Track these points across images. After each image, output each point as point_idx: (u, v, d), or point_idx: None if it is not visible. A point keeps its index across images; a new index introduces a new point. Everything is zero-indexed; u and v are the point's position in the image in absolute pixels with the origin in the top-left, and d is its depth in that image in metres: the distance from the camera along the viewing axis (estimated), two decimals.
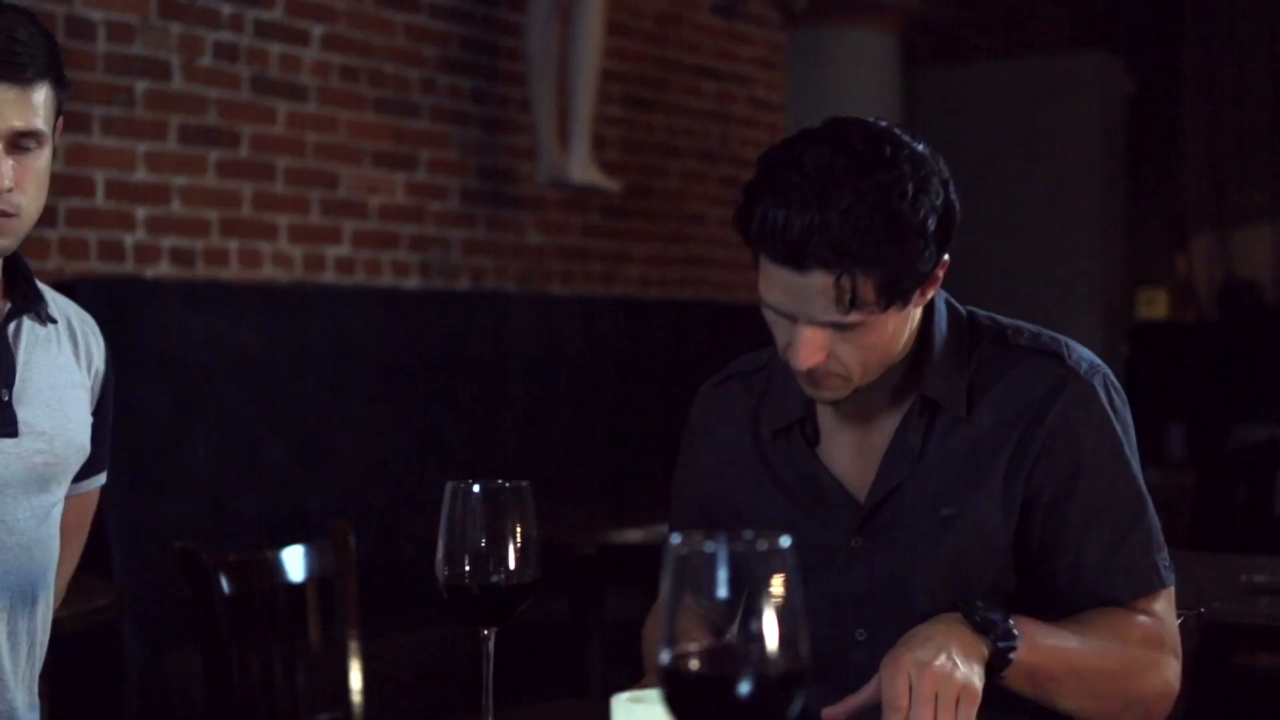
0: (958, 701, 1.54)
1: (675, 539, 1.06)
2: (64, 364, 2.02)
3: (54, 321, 2.02)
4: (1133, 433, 1.78)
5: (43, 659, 2.05)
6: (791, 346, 1.67)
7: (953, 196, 1.66)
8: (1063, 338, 1.80)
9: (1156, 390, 7.40)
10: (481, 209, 5.44)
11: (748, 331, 6.57)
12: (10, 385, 1.94)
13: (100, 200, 4.32)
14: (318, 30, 4.88)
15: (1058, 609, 1.75)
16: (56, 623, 2.08)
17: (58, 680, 4.14)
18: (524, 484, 1.61)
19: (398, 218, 5.14)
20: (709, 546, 1.06)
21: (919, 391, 1.76)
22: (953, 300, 1.82)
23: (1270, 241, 8.61)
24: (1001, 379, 1.76)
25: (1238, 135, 8.68)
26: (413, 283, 5.19)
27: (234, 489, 4.40)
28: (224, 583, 2.46)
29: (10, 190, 1.83)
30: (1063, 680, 1.66)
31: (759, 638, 1.05)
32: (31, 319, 1.99)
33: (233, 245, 4.64)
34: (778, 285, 1.64)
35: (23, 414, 1.94)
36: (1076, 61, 7.72)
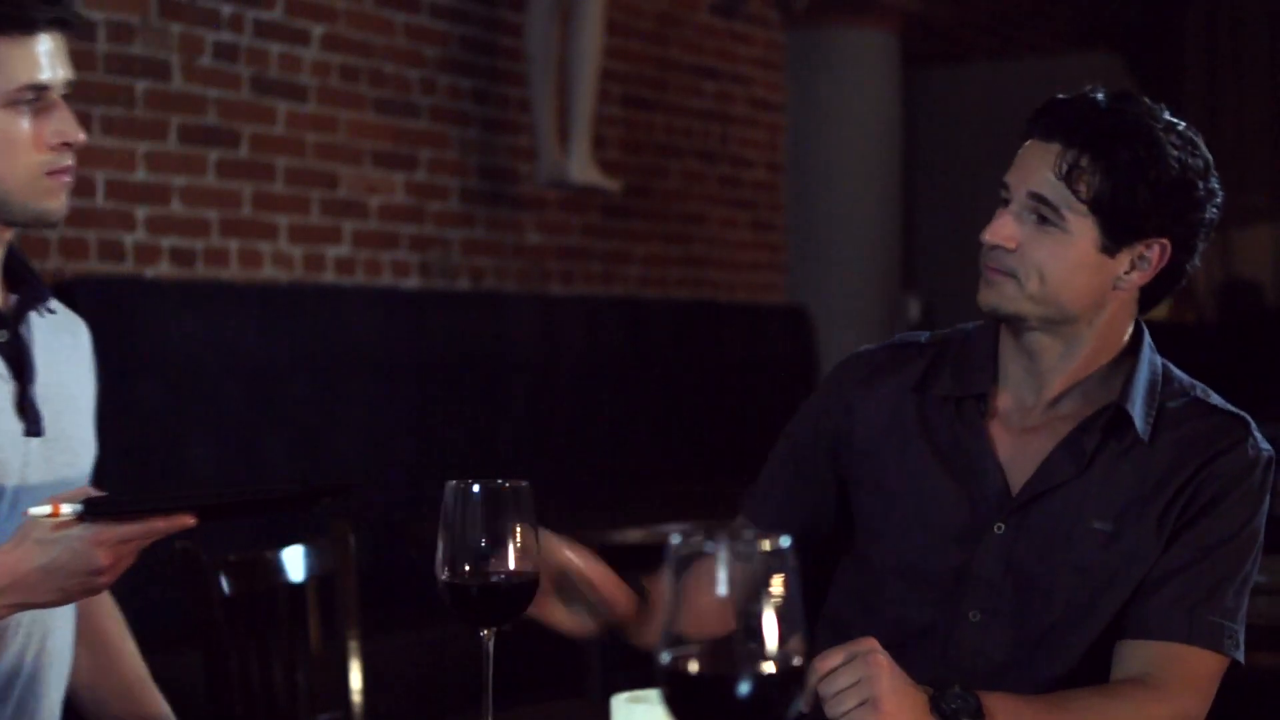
0: (864, 702, 1.54)
1: (675, 539, 1.06)
2: (67, 357, 1.96)
3: (53, 313, 1.95)
4: (1265, 520, 1.80)
5: None
6: (992, 222, 1.77)
7: (1204, 203, 1.76)
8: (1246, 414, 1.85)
9: None
10: (481, 209, 5.44)
11: (748, 331, 6.61)
12: (33, 382, 1.86)
13: (100, 200, 4.32)
14: (318, 30, 4.88)
15: (1118, 631, 1.76)
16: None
17: None
18: (524, 484, 1.61)
19: (398, 218, 5.14)
20: (709, 546, 1.06)
21: (1116, 402, 1.78)
22: (1154, 345, 1.87)
23: (1270, 241, 8.61)
24: (1188, 423, 1.79)
25: (1238, 135, 8.68)
26: (413, 283, 5.19)
27: None
28: (224, 583, 2.46)
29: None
30: None
31: (758, 637, 1.05)
32: (35, 313, 1.91)
33: (233, 245, 4.64)
34: (1018, 158, 1.78)
35: (46, 413, 1.87)
36: (1076, 61, 7.72)
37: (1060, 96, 1.79)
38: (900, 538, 1.83)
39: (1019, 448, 1.81)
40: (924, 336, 1.95)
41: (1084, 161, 1.71)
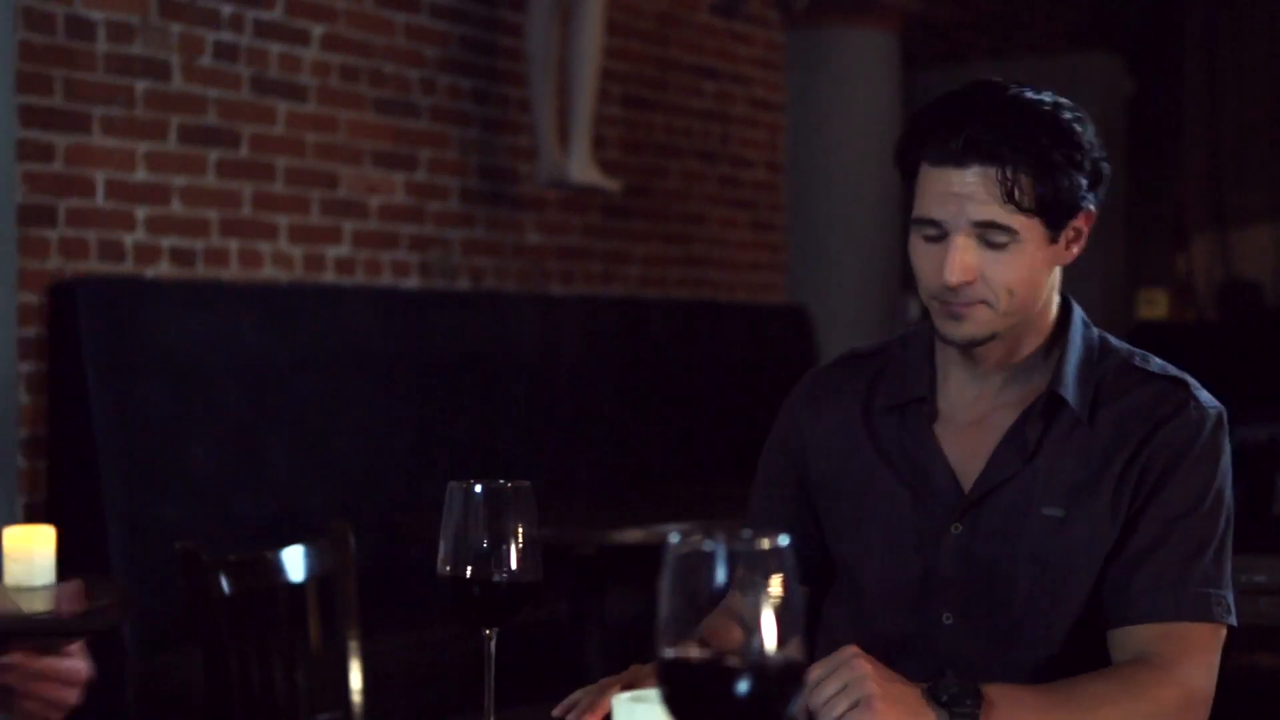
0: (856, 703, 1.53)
1: (674, 538, 1.06)
2: None
3: None
4: (1229, 474, 1.79)
5: None
6: (945, 262, 1.72)
7: (1104, 156, 1.76)
8: (1188, 375, 1.84)
9: None
10: (481, 209, 5.44)
11: (748, 331, 6.62)
12: None
13: (100, 200, 4.32)
14: (318, 30, 4.88)
15: (1105, 620, 1.76)
16: (57, 622, 2.03)
17: None
18: (525, 484, 1.61)
19: (398, 218, 5.14)
20: (707, 545, 1.06)
21: (1049, 388, 1.79)
22: (1086, 318, 1.86)
23: (1270, 241, 8.61)
24: (1127, 395, 1.79)
25: (1238, 135, 8.68)
26: (413, 283, 5.19)
27: (234, 489, 4.40)
28: (224, 583, 2.46)
29: None
30: None
31: (758, 636, 1.05)
32: None
33: (233, 245, 4.64)
34: (934, 193, 1.72)
35: None
36: (1076, 61, 7.72)
37: (943, 116, 1.73)
38: (866, 552, 1.84)
39: (966, 446, 1.81)
40: (871, 347, 1.95)
41: (1020, 175, 1.69)
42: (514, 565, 1.59)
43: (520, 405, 5.28)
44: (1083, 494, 1.76)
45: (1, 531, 2.85)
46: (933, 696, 1.59)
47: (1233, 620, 1.75)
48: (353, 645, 2.71)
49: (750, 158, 6.65)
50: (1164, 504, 1.74)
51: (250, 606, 2.51)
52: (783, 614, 1.05)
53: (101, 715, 4.04)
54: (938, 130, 1.73)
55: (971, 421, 1.82)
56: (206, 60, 4.57)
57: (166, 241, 4.47)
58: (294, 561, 2.61)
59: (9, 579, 2.80)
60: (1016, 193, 1.69)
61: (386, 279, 5.10)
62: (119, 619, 1.96)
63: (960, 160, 1.70)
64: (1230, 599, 1.75)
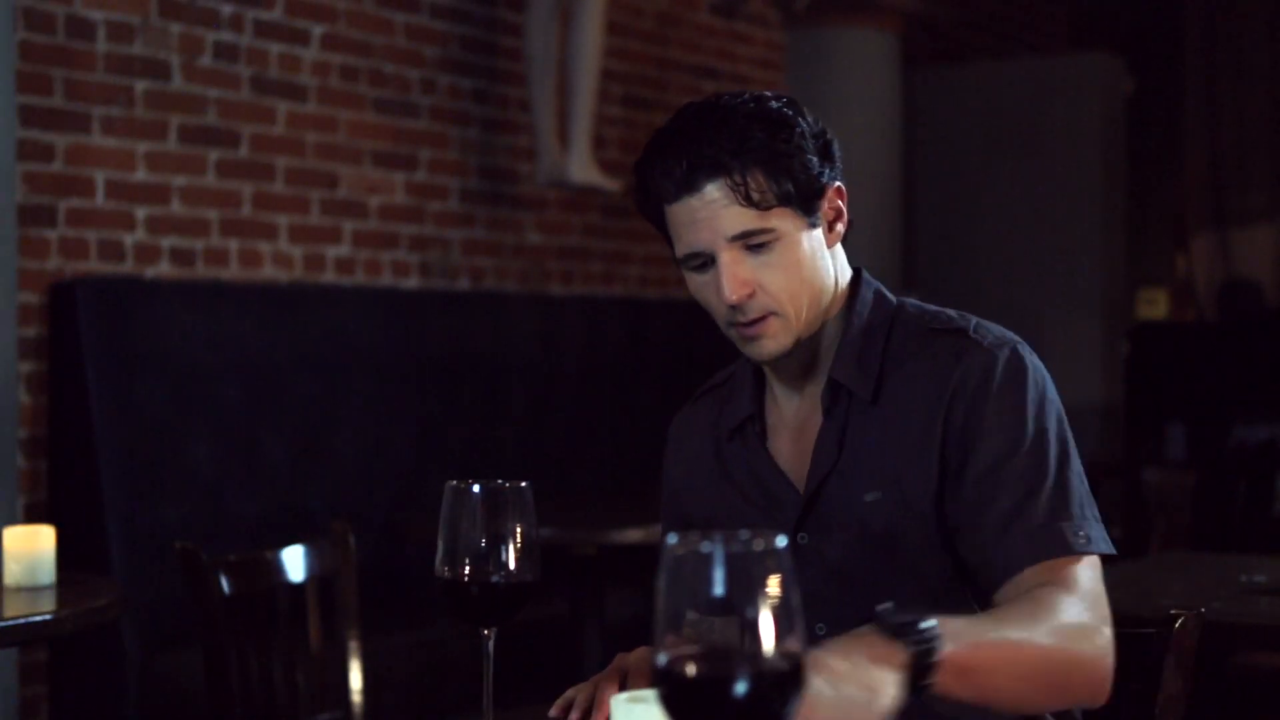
0: None
1: (671, 539, 1.06)
2: None
3: None
4: (1052, 403, 1.73)
5: None
6: (719, 285, 1.72)
7: (825, 129, 1.79)
8: (974, 317, 1.79)
9: (1156, 390, 7.39)
10: (481, 209, 5.44)
11: None
12: None
13: (100, 200, 4.32)
14: (318, 30, 4.88)
15: (975, 587, 1.71)
16: (57, 623, 2.06)
17: (58, 680, 4.14)
18: (524, 484, 1.61)
19: (398, 218, 5.15)
20: (705, 546, 1.06)
21: (829, 375, 1.78)
22: (886, 292, 1.84)
23: (1270, 241, 8.61)
24: (910, 361, 1.76)
25: (1238, 135, 8.67)
26: (413, 283, 5.19)
27: (234, 489, 4.40)
28: (224, 583, 2.46)
29: None
30: (996, 671, 1.52)
31: (755, 637, 1.05)
32: None
33: (233, 245, 4.64)
34: (684, 225, 1.73)
35: None
36: (1076, 61, 7.72)
37: (662, 152, 1.73)
38: None
39: (796, 453, 1.81)
40: (721, 376, 1.95)
41: (749, 175, 1.69)
42: (511, 565, 1.59)
43: (520, 405, 5.28)
44: (892, 471, 1.73)
45: (1, 531, 2.85)
46: (897, 636, 1.44)
47: (1103, 548, 1.67)
48: (353, 645, 2.72)
49: None
50: (981, 455, 1.69)
51: (250, 606, 2.52)
52: (780, 614, 1.05)
53: (101, 715, 4.05)
54: (662, 167, 1.73)
55: (798, 427, 1.82)
56: (206, 60, 4.57)
57: (166, 241, 4.47)
58: (294, 561, 2.61)
59: (9, 579, 2.81)
60: (753, 193, 1.69)
61: (386, 279, 5.10)
62: (118, 617, 1.99)
63: (691, 185, 1.70)
64: (1092, 529, 1.67)
